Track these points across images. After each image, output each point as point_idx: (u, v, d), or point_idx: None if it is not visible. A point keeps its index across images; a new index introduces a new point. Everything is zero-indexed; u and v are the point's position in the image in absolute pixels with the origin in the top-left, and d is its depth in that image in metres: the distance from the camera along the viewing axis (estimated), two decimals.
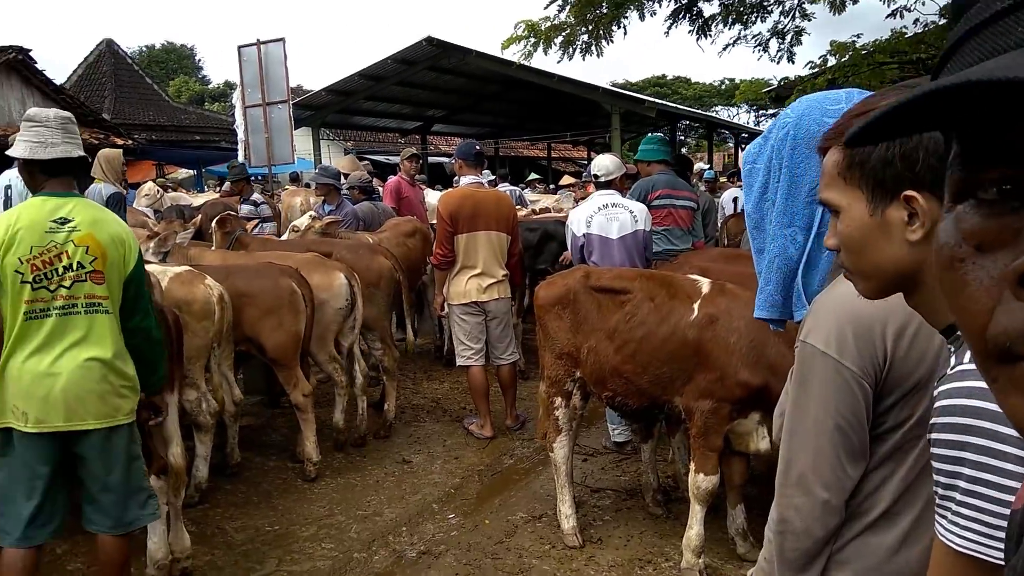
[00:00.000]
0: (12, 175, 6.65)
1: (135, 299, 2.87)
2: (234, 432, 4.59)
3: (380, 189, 8.37)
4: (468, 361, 5.24)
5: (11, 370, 2.63)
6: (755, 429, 3.19)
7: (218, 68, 75.86)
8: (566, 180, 16.05)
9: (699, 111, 31.84)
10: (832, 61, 8.63)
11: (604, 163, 5.03)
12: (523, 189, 12.55)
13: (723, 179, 13.20)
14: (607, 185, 4.95)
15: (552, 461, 3.79)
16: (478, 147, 5.58)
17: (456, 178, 5.70)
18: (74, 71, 24.90)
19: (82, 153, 2.82)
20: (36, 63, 16.02)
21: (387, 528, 3.98)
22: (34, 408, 2.62)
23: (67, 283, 2.67)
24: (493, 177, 10.94)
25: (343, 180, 7.62)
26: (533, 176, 17.04)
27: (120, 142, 17.61)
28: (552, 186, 17.39)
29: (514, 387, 5.42)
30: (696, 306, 3.27)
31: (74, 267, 2.68)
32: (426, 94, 20.23)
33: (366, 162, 10.91)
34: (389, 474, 4.68)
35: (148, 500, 2.95)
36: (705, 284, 3.37)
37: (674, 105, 25.53)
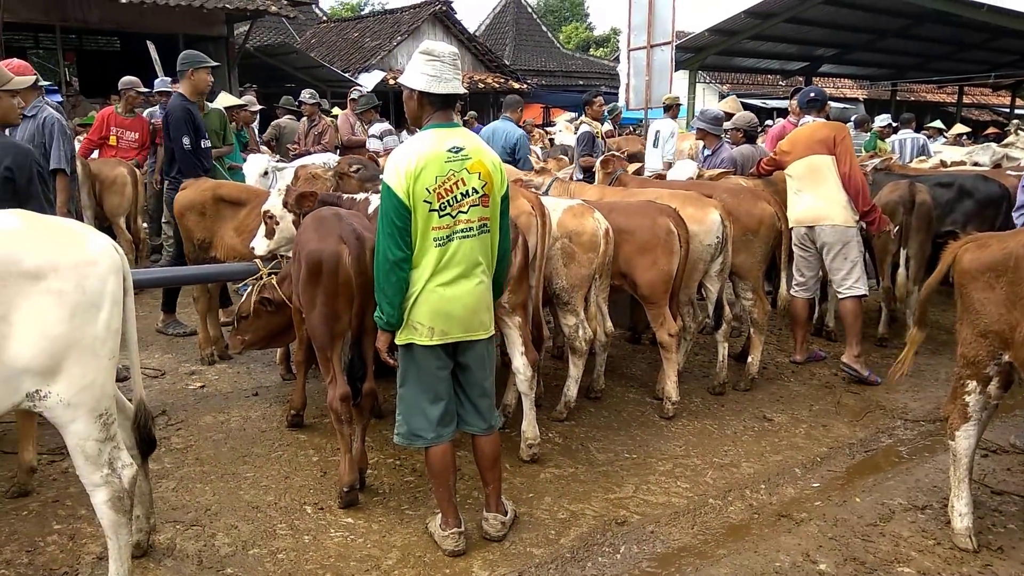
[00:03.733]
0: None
1: (503, 218, 3.11)
2: (602, 360, 4.83)
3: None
4: (792, 290, 5.40)
5: (424, 294, 2.94)
6: None
7: (604, 14, 78.63)
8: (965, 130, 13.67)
9: None
10: None
11: None
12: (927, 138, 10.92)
13: None
14: None
15: (951, 450, 3.28)
16: (812, 94, 5.77)
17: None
18: (483, 21, 27.80)
19: (464, 91, 3.04)
20: (456, 14, 18.14)
21: (744, 481, 3.87)
22: (440, 324, 2.97)
23: (465, 208, 2.92)
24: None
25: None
26: (935, 124, 14.72)
27: (517, 86, 19.34)
28: (962, 135, 14.78)
29: (856, 323, 5.27)
30: None
31: (469, 193, 2.92)
32: (817, 31, 18.56)
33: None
34: (748, 428, 4.53)
35: (496, 409, 3.31)
36: None
37: None
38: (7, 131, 3.92)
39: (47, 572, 2.93)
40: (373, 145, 8.40)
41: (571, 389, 4.49)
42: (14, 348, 2.24)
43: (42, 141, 4.76)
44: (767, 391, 5.11)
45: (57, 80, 12.51)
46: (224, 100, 7.26)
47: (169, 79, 8.46)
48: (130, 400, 2.81)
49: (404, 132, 12.06)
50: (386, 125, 8.66)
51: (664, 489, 3.77)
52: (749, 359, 5.15)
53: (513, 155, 6.90)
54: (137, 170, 7.43)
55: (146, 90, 8.01)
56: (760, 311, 5.08)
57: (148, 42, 9.79)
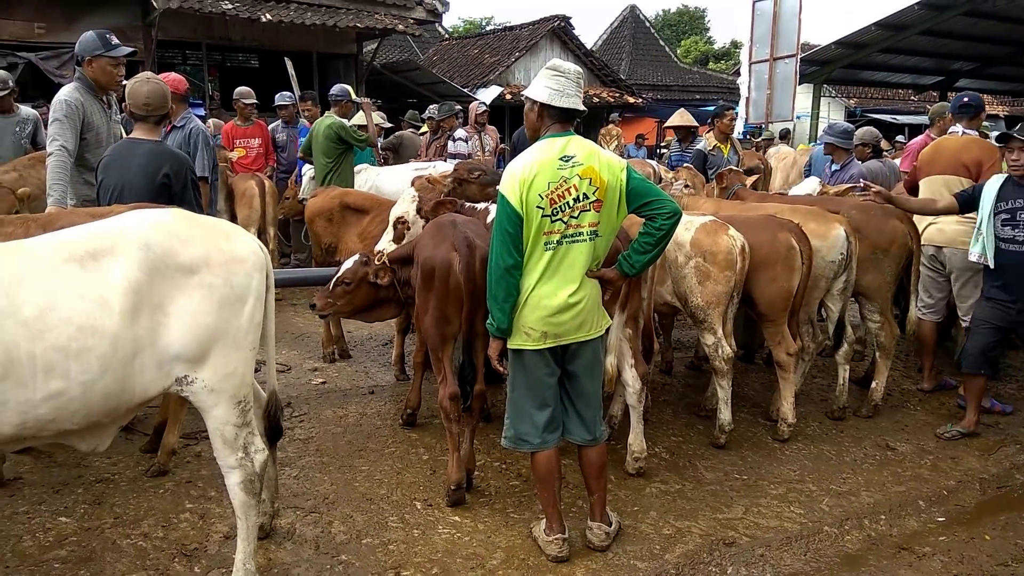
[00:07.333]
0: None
1: (649, 200, 3.01)
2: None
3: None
4: (918, 313, 5.09)
5: (533, 298, 3.00)
6: None
7: (725, 28, 76.88)
8: None
9: None
10: None
11: None
12: None
13: None
14: None
15: None
16: (966, 98, 5.61)
17: None
18: (600, 36, 27.90)
19: (584, 109, 3.08)
20: (574, 29, 18.31)
21: (863, 511, 3.70)
22: (552, 329, 3.01)
23: (576, 213, 2.96)
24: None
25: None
26: None
27: (631, 100, 19.28)
28: None
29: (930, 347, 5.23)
30: None
31: (580, 199, 2.96)
32: (955, 44, 17.48)
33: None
34: (869, 456, 4.33)
35: (602, 421, 3.32)
36: None
37: None
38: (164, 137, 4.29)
39: (179, 547, 3.17)
40: (451, 148, 8.61)
41: (723, 413, 4.28)
42: (168, 336, 2.46)
43: (187, 150, 5.17)
44: (891, 419, 4.87)
45: (202, 94, 13.51)
46: (358, 119, 7.62)
47: (288, 94, 8.91)
48: (264, 390, 3.02)
49: None
50: (463, 132, 8.83)
51: (776, 513, 3.66)
52: (873, 384, 4.91)
53: None
54: (268, 181, 7.54)
55: (254, 101, 8.31)
56: (887, 335, 4.83)
57: (286, 59, 10.42)
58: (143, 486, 3.67)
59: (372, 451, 4.16)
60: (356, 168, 7.19)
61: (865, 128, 7.47)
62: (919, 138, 6.90)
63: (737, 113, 7.93)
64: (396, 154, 9.68)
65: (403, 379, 5.19)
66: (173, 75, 5.32)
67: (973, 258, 4.51)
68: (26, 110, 6.24)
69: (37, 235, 3.39)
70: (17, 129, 6.11)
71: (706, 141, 7.36)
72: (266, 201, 7.33)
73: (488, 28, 33.82)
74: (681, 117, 7.91)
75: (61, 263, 2.38)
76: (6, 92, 5.99)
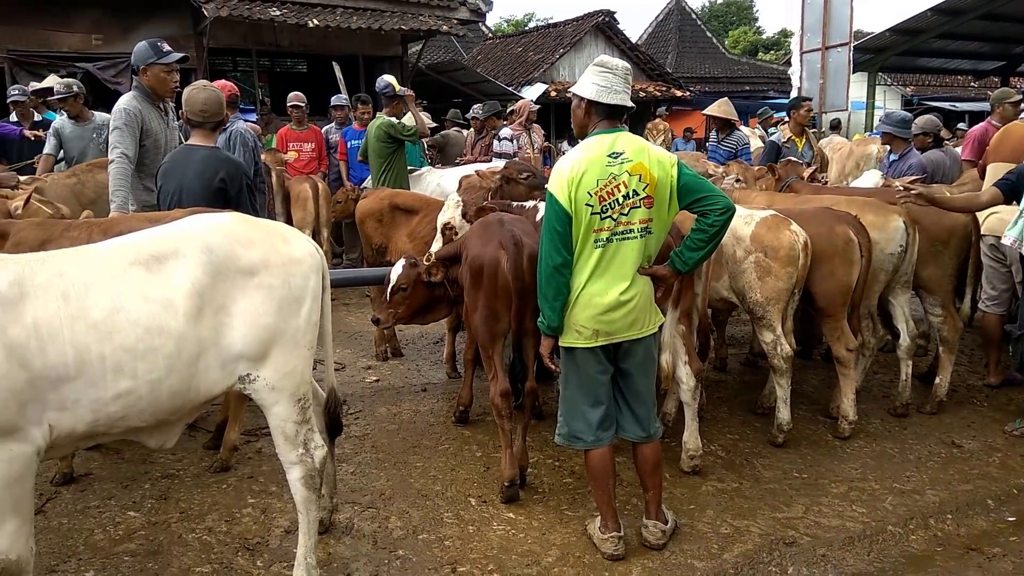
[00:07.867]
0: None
1: (701, 196, 2.97)
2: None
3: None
4: (982, 305, 5.01)
5: (584, 296, 2.98)
6: None
7: (773, 17, 75.23)
8: None
9: None
10: None
11: None
12: None
13: None
14: None
15: None
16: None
17: None
18: (645, 29, 27.63)
19: (632, 105, 3.03)
20: (618, 23, 18.17)
21: (928, 510, 3.59)
22: (604, 327, 2.99)
23: (625, 211, 2.92)
24: None
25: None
26: None
27: (678, 94, 19.05)
28: None
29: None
30: None
31: (630, 195, 2.92)
32: (1015, 27, 16.81)
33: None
34: (933, 454, 4.20)
35: (656, 417, 3.28)
36: None
37: None
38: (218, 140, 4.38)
39: (242, 541, 3.25)
40: (496, 147, 8.57)
41: (781, 412, 4.18)
42: (231, 336, 2.52)
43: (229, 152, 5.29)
44: (956, 415, 4.71)
45: (252, 100, 13.80)
46: (407, 119, 7.70)
47: (344, 96, 9.05)
48: (322, 388, 3.07)
49: (565, 142, 12.21)
50: (508, 131, 8.76)
51: (838, 512, 3.58)
52: (937, 380, 4.75)
53: None
54: (321, 183, 7.68)
55: (298, 103, 8.44)
56: (950, 328, 4.67)
57: (334, 63, 10.57)
58: (207, 482, 3.77)
59: (426, 448, 4.20)
60: (418, 171, 7.24)
61: (926, 116, 7.23)
62: (980, 125, 6.64)
63: (769, 106, 7.78)
64: (441, 152, 9.74)
65: (455, 376, 5.23)
66: (223, 81, 5.47)
67: (1007, 242, 4.32)
68: (101, 116, 6.42)
69: (99, 240, 3.55)
70: (95, 135, 6.31)
71: (780, 132, 7.24)
72: (319, 203, 7.47)
73: (531, 25, 33.78)
74: (719, 107, 7.74)
75: (127, 266, 2.45)
76: (70, 95, 6.20)
